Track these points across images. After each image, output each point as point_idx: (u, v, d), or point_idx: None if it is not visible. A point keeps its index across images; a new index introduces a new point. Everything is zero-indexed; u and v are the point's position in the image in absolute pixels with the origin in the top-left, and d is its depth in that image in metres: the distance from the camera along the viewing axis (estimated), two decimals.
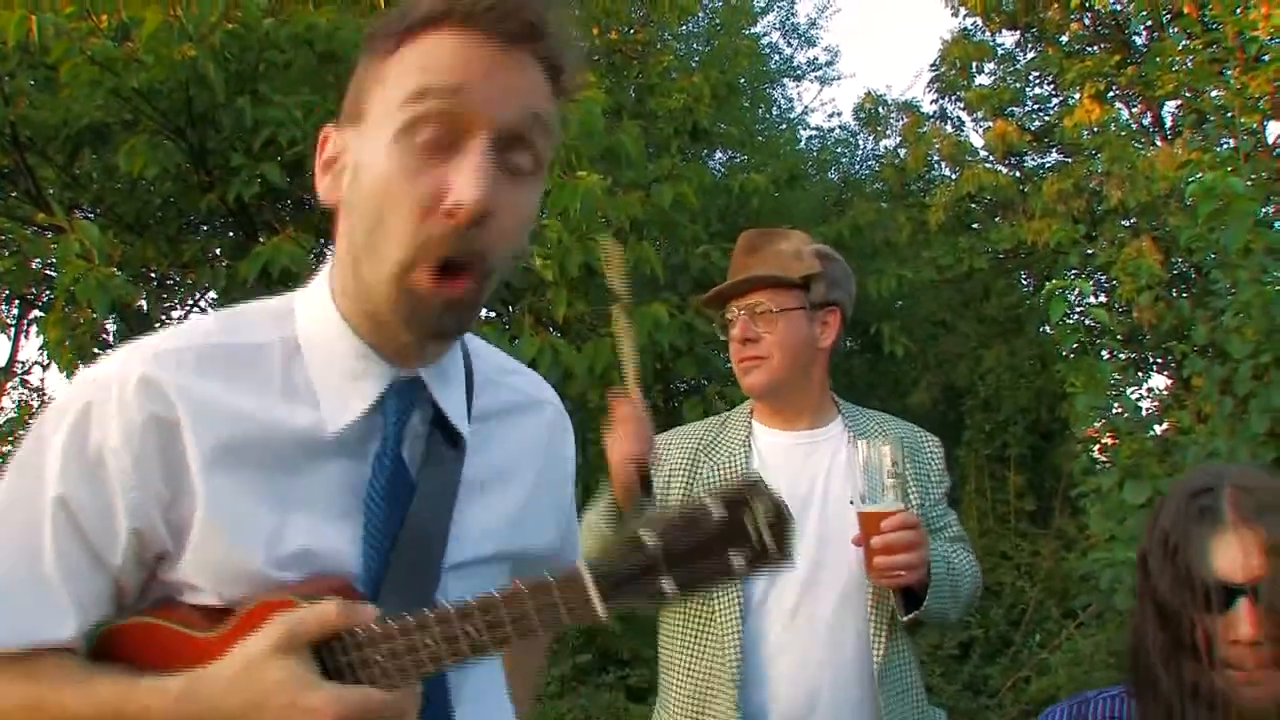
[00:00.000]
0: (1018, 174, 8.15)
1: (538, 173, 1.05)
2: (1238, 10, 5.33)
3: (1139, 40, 7.90)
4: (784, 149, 8.64)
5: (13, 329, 6.97)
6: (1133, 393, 4.20)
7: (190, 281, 5.28)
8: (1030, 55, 8.50)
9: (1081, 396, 3.46)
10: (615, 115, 5.14)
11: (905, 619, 1.99)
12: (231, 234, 5.13)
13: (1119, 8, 7.62)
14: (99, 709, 0.98)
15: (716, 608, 2.03)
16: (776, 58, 10.95)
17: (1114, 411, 3.50)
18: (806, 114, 11.34)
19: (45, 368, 7.79)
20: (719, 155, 8.18)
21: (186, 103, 4.17)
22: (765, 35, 10.83)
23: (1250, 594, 1.31)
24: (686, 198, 4.83)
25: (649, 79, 6.39)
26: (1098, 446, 3.90)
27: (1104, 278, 6.99)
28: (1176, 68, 6.13)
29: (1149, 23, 7.42)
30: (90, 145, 4.60)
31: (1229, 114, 5.53)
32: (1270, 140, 6.31)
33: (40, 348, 5.86)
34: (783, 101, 10.91)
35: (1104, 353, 5.03)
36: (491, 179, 0.98)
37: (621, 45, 6.43)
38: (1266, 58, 5.20)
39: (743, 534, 0.98)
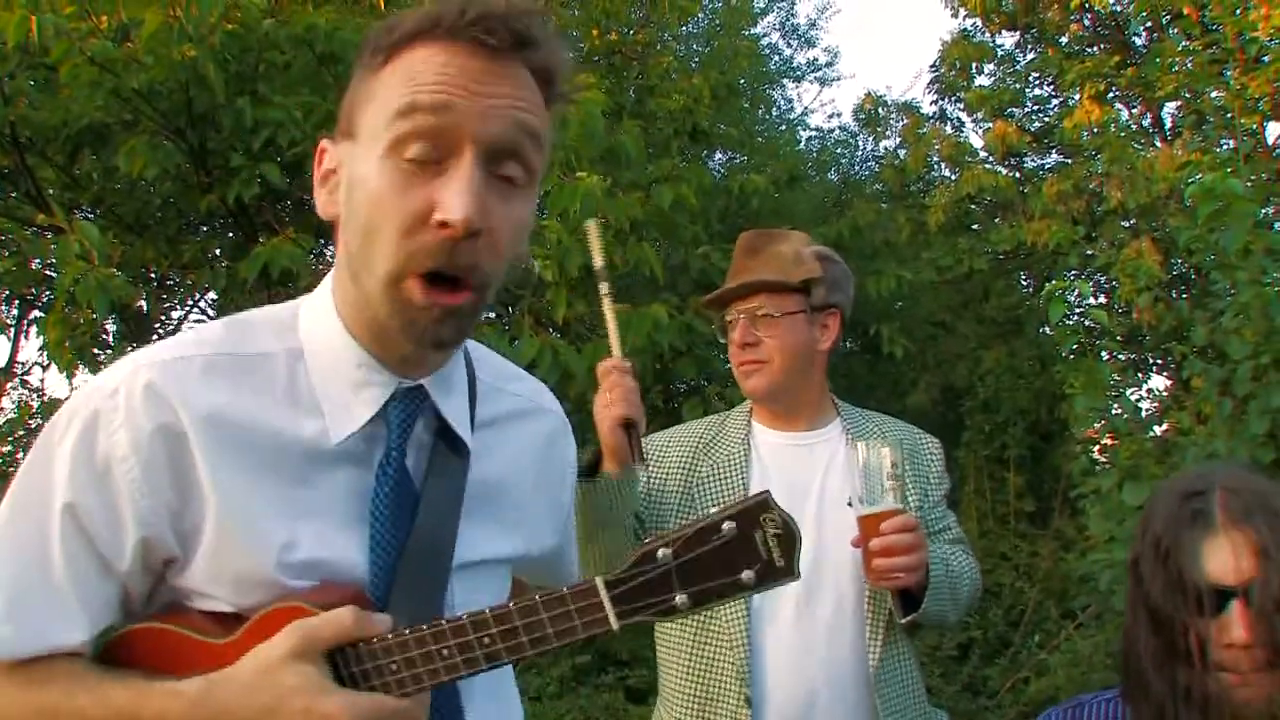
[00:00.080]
0: (1017, 175, 8.16)
1: (530, 183, 1.06)
2: (1237, 11, 5.33)
3: (1139, 41, 7.91)
4: (784, 150, 8.64)
5: (12, 329, 6.97)
6: (1132, 394, 4.20)
7: (190, 282, 5.27)
8: (1030, 56, 8.50)
9: (1081, 397, 3.46)
10: (615, 116, 5.14)
11: (903, 621, 1.99)
12: (231, 234, 5.13)
13: (1119, 9, 7.63)
14: (115, 713, 0.99)
15: (718, 609, 2.03)
16: (776, 59, 10.97)
17: (1113, 412, 3.50)
18: (806, 115, 11.36)
19: (45, 368, 7.79)
20: (719, 156, 8.19)
21: (186, 103, 4.17)
22: (765, 36, 10.86)
23: (1242, 596, 1.31)
24: (686, 198, 4.83)
25: (649, 80, 6.39)
26: (1097, 447, 3.89)
27: (1103, 279, 6.99)
28: (1176, 69, 6.13)
29: (1149, 24, 7.42)
30: (90, 146, 4.60)
31: (1229, 115, 5.54)
32: (1270, 141, 6.32)
33: (40, 348, 5.87)
34: (782, 102, 10.93)
35: (1103, 354, 5.03)
36: (481, 194, 0.99)
37: (621, 46, 6.43)
38: (1266, 59, 5.20)
39: (753, 550, 1.01)
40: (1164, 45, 6.69)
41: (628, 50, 6.45)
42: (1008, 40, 8.64)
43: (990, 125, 8.00)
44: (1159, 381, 7.02)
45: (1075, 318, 5.69)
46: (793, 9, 11.49)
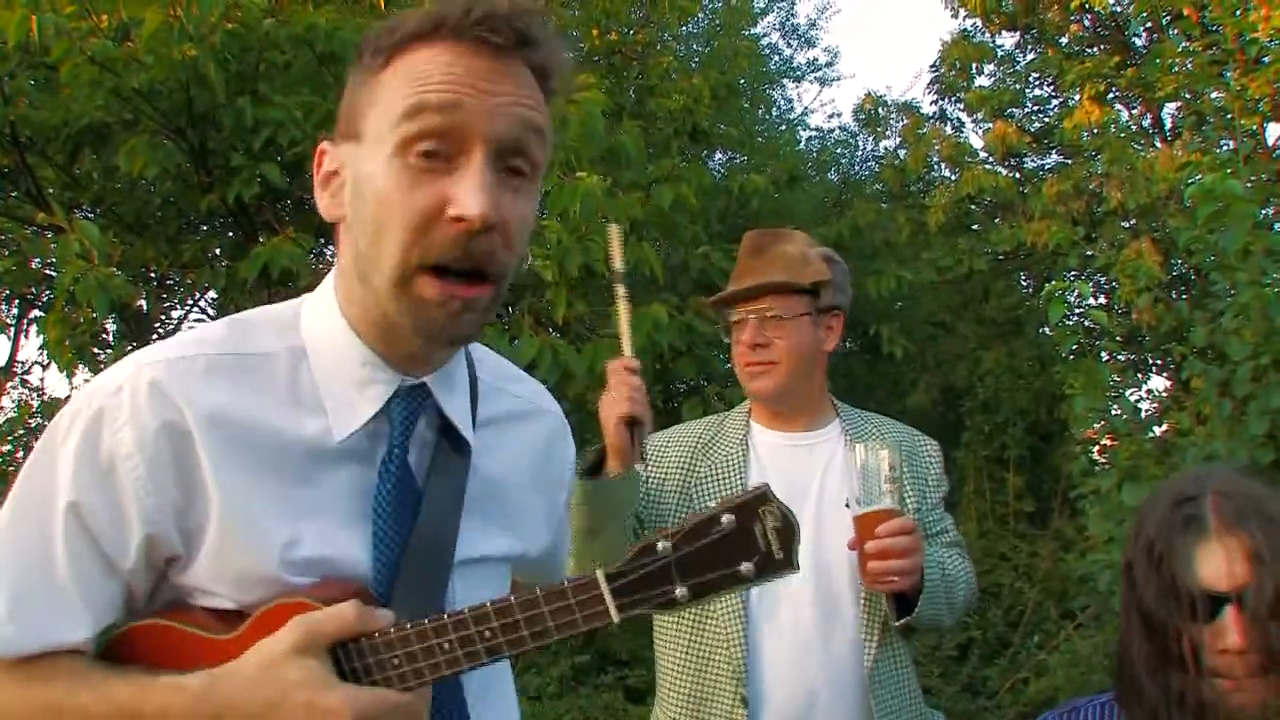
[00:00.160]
0: (1017, 175, 8.16)
1: (534, 178, 1.07)
2: (1237, 12, 5.33)
3: (1139, 42, 7.91)
4: (784, 150, 8.64)
5: (12, 329, 6.98)
6: (1132, 394, 4.20)
7: (190, 281, 5.27)
8: (1030, 57, 8.50)
9: (1080, 398, 3.46)
10: (615, 116, 5.14)
11: (897, 624, 1.99)
12: (231, 234, 5.13)
13: (1119, 9, 7.62)
14: (118, 710, 0.99)
15: (715, 609, 2.03)
16: (776, 59, 10.97)
17: (1113, 413, 3.50)
18: (806, 115, 11.35)
19: (45, 367, 7.80)
20: (719, 156, 8.19)
21: (187, 103, 4.17)
22: (765, 36, 10.86)
23: (1235, 602, 1.30)
24: (686, 198, 4.83)
25: (649, 80, 6.39)
26: (1097, 448, 3.90)
27: (1103, 279, 6.99)
28: (1176, 69, 6.13)
29: (1149, 24, 7.42)
30: (90, 145, 4.59)
31: (1229, 116, 5.54)
32: (1270, 142, 6.32)
33: (40, 347, 5.88)
34: (782, 102, 10.93)
35: (1103, 354, 5.04)
36: (493, 190, 1.00)
37: (621, 46, 6.43)
38: (1266, 59, 5.20)
39: (752, 542, 1.01)
40: (1164, 46, 6.69)
41: (628, 50, 6.45)
42: (1008, 41, 8.64)
43: (990, 125, 8.00)
44: (1159, 382, 7.02)
45: (1075, 318, 5.70)
46: (793, 9, 11.50)
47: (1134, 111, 7.81)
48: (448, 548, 1.10)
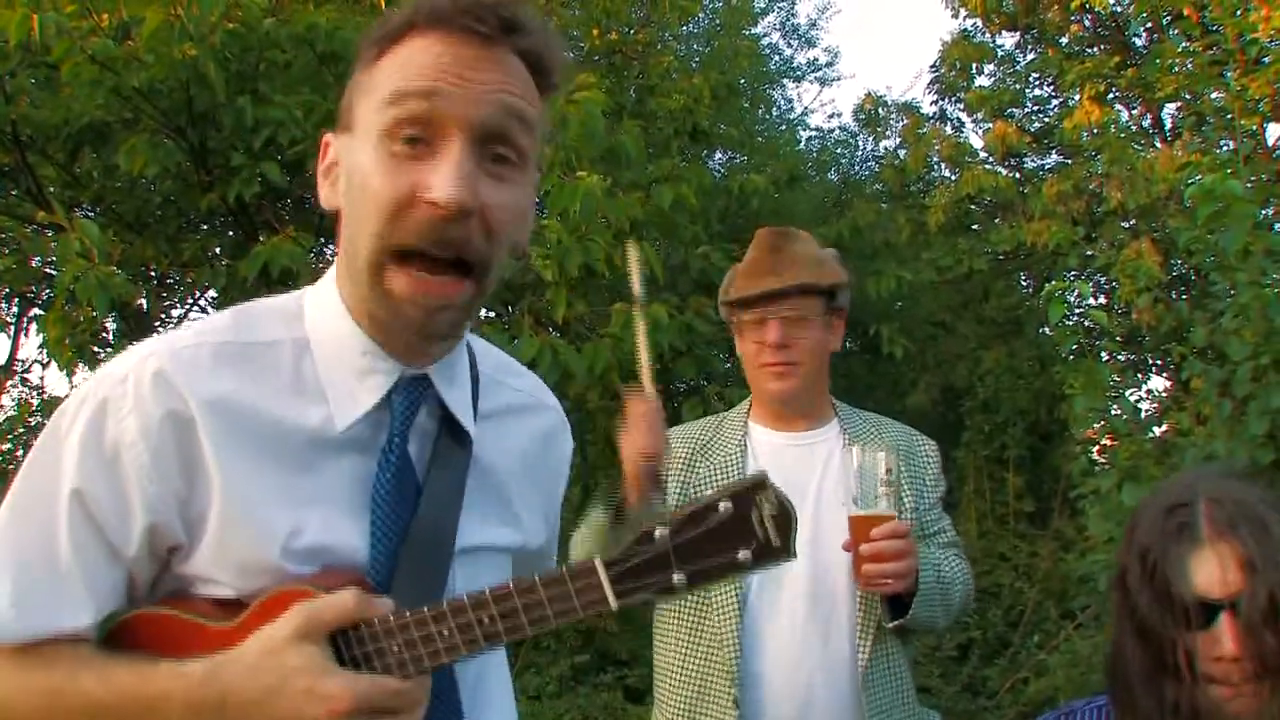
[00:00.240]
0: (1017, 175, 8.16)
1: (523, 168, 1.07)
2: (1238, 12, 5.33)
3: (1139, 42, 7.91)
4: (784, 150, 8.65)
5: (13, 327, 6.98)
6: (1132, 394, 4.20)
7: (190, 280, 5.27)
8: (1030, 57, 8.50)
9: (1080, 398, 3.46)
10: (615, 116, 5.14)
11: (890, 625, 2.00)
12: (231, 233, 5.13)
13: (1119, 9, 7.62)
14: (119, 695, 0.99)
15: (712, 609, 2.04)
16: (776, 58, 10.98)
17: (1113, 413, 3.50)
18: (806, 115, 11.36)
19: (45, 366, 7.80)
20: (719, 156, 8.19)
21: (187, 102, 4.17)
22: (765, 36, 10.87)
23: (1229, 609, 1.30)
24: (686, 198, 4.83)
25: (649, 79, 6.39)
26: (1096, 448, 3.90)
27: (1103, 279, 6.99)
28: (1176, 70, 6.13)
29: (1149, 24, 7.42)
30: (91, 144, 4.60)
31: (1229, 116, 5.54)
32: (1270, 142, 6.32)
33: (40, 346, 5.88)
34: (783, 102, 10.94)
35: (1103, 354, 5.04)
36: (470, 175, 1.00)
37: (622, 46, 6.43)
38: (1266, 60, 5.20)
39: (749, 529, 1.02)
40: (1164, 46, 6.69)
41: (628, 50, 6.45)
42: (1008, 41, 8.65)
43: (990, 126, 8.00)
44: (1158, 382, 7.02)
45: (1075, 318, 5.70)
46: (793, 9, 11.51)
47: (1134, 112, 7.81)
48: (448, 538, 1.10)
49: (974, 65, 8.49)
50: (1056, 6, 7.61)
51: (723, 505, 1.02)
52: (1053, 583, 6.18)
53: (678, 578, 1.01)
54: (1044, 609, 6.08)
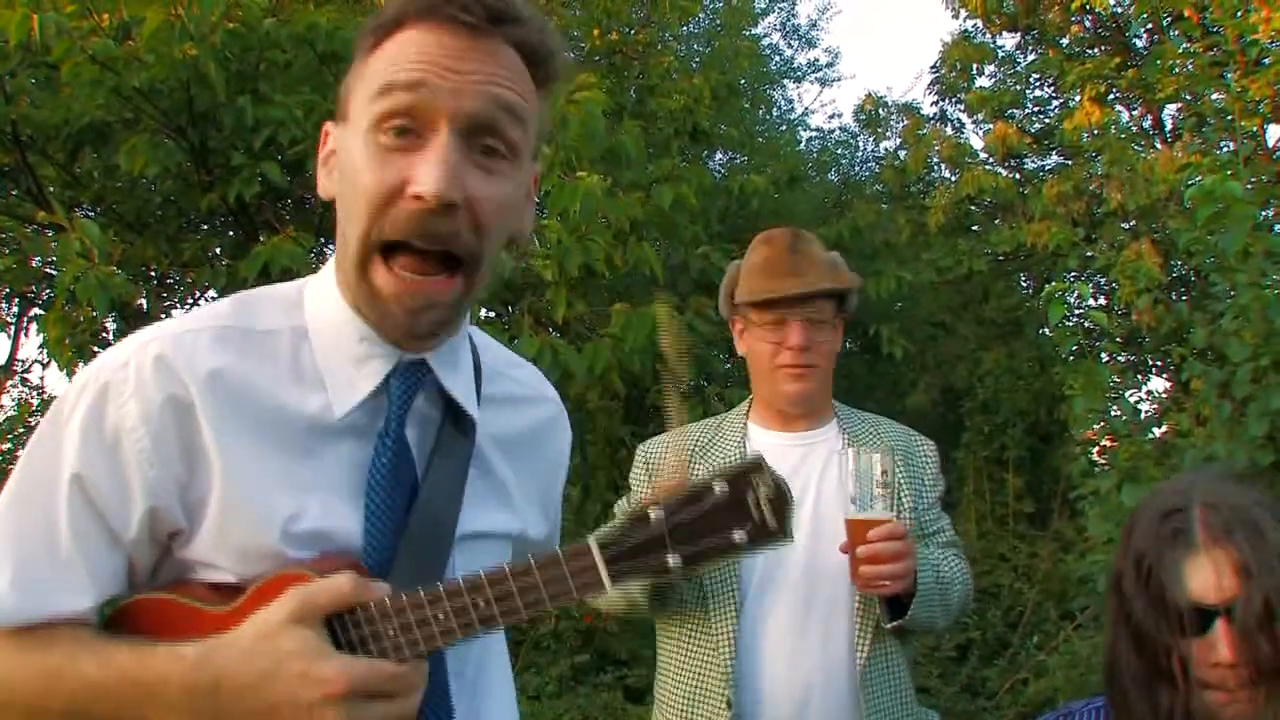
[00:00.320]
0: (1017, 176, 8.16)
1: (514, 160, 1.07)
2: (1238, 13, 5.33)
3: (1139, 43, 7.91)
4: (784, 150, 8.66)
5: (13, 327, 6.98)
6: (1131, 395, 4.20)
7: (190, 280, 5.27)
8: (1031, 57, 8.51)
9: (1080, 399, 3.46)
10: (616, 116, 5.14)
11: (889, 626, 2.00)
12: (232, 233, 5.13)
13: (1120, 10, 7.63)
14: (118, 677, 0.99)
15: (712, 609, 2.04)
16: (777, 59, 10.99)
17: (1112, 414, 3.50)
18: (807, 115, 11.38)
19: (45, 366, 7.81)
20: (719, 156, 8.20)
21: (187, 102, 4.17)
22: (766, 36, 10.88)
23: (1225, 615, 1.30)
24: (686, 198, 4.83)
25: (649, 80, 6.40)
26: (1096, 449, 3.90)
27: (1103, 280, 7.00)
28: (1177, 71, 6.13)
29: (1149, 25, 7.42)
30: (91, 144, 4.60)
31: (1229, 117, 5.54)
32: (1270, 144, 6.32)
33: (40, 346, 5.88)
34: (783, 103, 10.95)
35: (1103, 355, 5.04)
36: (456, 167, 1.00)
37: (622, 46, 6.43)
38: (1267, 61, 5.20)
39: (745, 510, 1.02)
40: (1165, 47, 6.69)
41: (628, 50, 6.46)
42: (1008, 41, 8.65)
43: (990, 126, 8.01)
44: (1158, 383, 7.02)
45: (1075, 319, 5.71)
46: (793, 9, 11.52)
47: (1134, 113, 7.81)
48: (448, 526, 1.11)
49: (974, 66, 8.50)
50: (1057, 7, 7.61)
51: (718, 487, 1.02)
52: (1052, 583, 6.19)
53: (673, 559, 1.01)
54: (1043, 610, 6.08)
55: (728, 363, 6.09)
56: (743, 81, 8.17)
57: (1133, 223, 6.64)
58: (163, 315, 5.59)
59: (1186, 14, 6.18)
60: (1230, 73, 5.70)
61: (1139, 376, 6.66)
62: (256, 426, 1.05)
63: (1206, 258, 3.28)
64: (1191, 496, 1.38)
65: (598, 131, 4.18)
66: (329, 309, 1.12)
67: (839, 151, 10.06)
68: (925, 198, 7.86)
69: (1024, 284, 8.35)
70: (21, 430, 6.76)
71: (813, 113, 14.00)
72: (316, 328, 1.12)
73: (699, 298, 4.83)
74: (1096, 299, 7.42)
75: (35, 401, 7.59)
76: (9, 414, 7.41)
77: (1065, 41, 8.04)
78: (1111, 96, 7.29)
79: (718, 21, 9.09)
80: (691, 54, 8.42)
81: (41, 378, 7.88)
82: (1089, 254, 6.77)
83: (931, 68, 8.76)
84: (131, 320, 4.79)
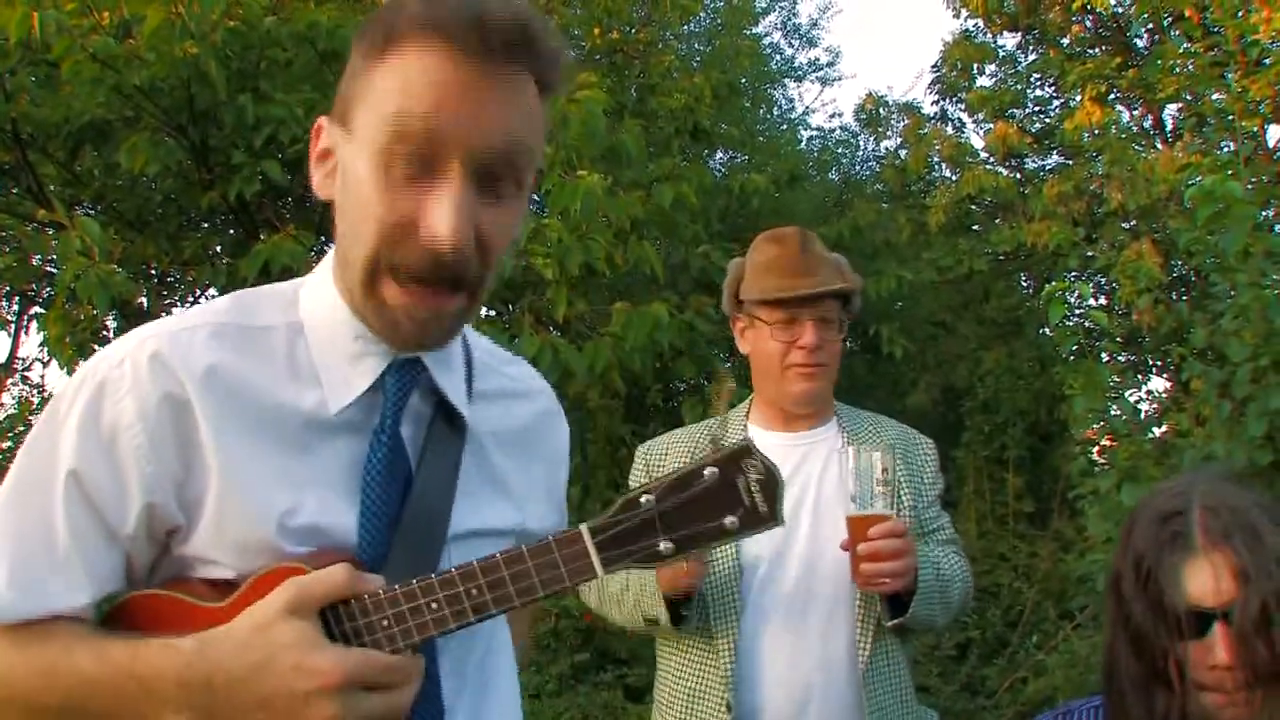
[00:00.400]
0: (1018, 176, 8.16)
1: (520, 193, 1.06)
2: (1239, 14, 5.33)
3: (1140, 43, 7.91)
4: (785, 149, 8.66)
5: (13, 325, 6.99)
6: (1131, 395, 4.19)
7: (191, 279, 5.28)
8: (1031, 57, 8.51)
9: (1080, 399, 3.45)
10: (616, 115, 5.15)
11: (890, 624, 2.00)
12: (232, 231, 5.14)
13: (1120, 10, 7.63)
14: (113, 671, 0.99)
15: (712, 609, 2.04)
16: (778, 58, 10.99)
17: (1112, 414, 3.50)
18: (807, 114, 11.38)
19: (45, 364, 7.83)
20: (720, 155, 8.20)
21: (188, 100, 4.17)
22: (766, 35, 10.87)
23: (1223, 618, 1.30)
24: (687, 197, 4.83)
25: (650, 78, 6.40)
26: (1096, 449, 3.89)
27: (1103, 280, 7.00)
28: (1177, 71, 6.13)
29: (1150, 26, 7.42)
30: (91, 142, 4.60)
31: (1229, 117, 5.53)
32: (1270, 144, 6.32)
33: (41, 344, 5.89)
34: (784, 102, 10.95)
35: (1103, 355, 5.03)
36: (469, 211, 1.00)
37: (623, 45, 6.43)
38: (1268, 61, 5.20)
39: (736, 495, 1.02)
40: (1165, 47, 6.69)
41: (629, 49, 6.46)
42: (1009, 41, 8.66)
43: (991, 126, 8.02)
44: (1158, 383, 7.02)
45: (1075, 319, 5.70)
46: (794, 8, 11.53)
47: (1135, 113, 7.82)
48: (442, 521, 1.11)
49: (975, 66, 8.50)
50: (1058, 7, 7.61)
51: (708, 472, 1.02)
52: (1052, 583, 6.19)
53: (664, 544, 1.02)
54: (1043, 609, 6.08)
55: (728, 362, 6.09)
56: (743, 80, 8.17)
57: (1133, 223, 6.64)
58: (163, 313, 5.58)
59: (1187, 14, 6.18)
60: (1231, 73, 5.69)
61: (1139, 376, 6.66)
62: (253, 423, 1.05)
63: (1207, 258, 3.28)
64: (1191, 499, 1.38)
65: (598, 130, 4.18)
66: (325, 306, 1.12)
67: (839, 151, 10.07)
68: (926, 197, 7.87)
69: (1024, 284, 8.35)
70: (22, 428, 6.78)
71: (813, 112, 14.01)
72: (312, 325, 1.12)
73: (699, 296, 4.84)
74: (1097, 299, 7.42)
75: (36, 400, 7.60)
76: (9, 412, 7.42)
77: (1066, 41, 8.04)
78: (1112, 96, 7.29)
79: (718, 20, 9.09)
80: (692, 53, 8.43)
81: (42, 376, 7.92)
82: (1089, 254, 6.77)
83: (932, 67, 8.78)
84: (132, 318, 4.79)
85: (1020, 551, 6.66)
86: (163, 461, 1.03)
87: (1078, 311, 6.07)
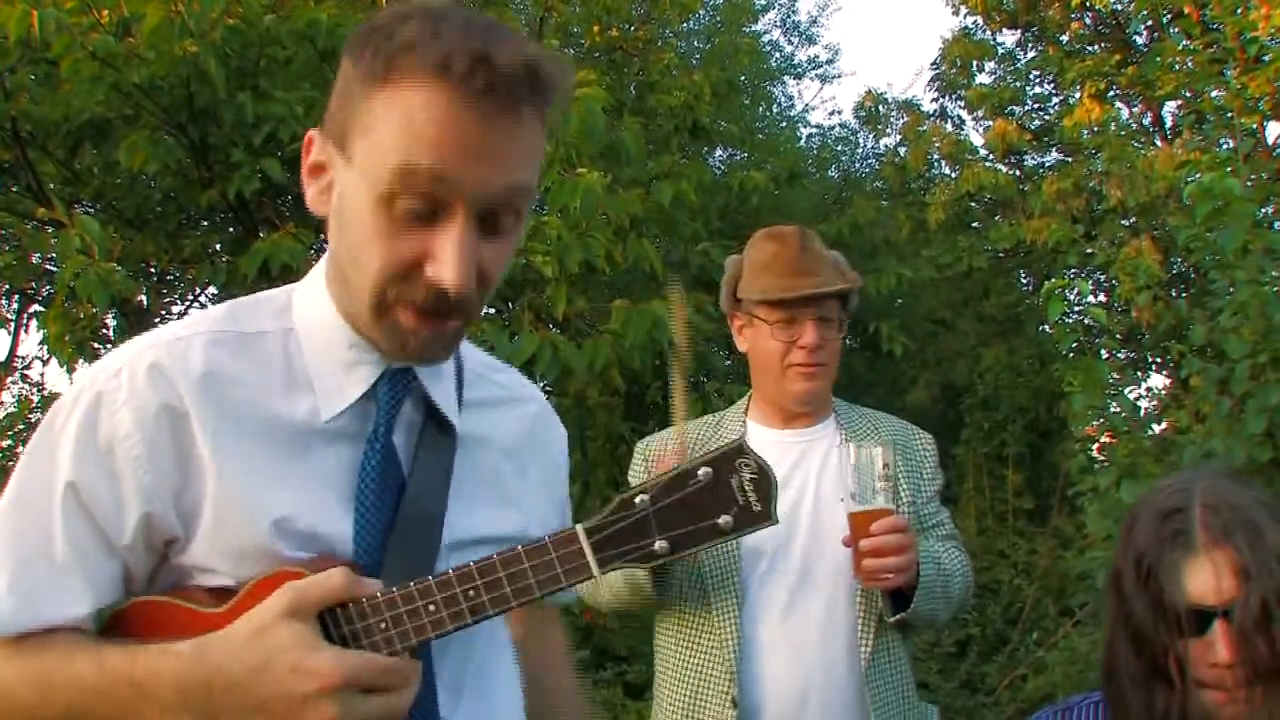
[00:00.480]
0: (1017, 173, 8.17)
1: (518, 223, 1.07)
2: (1238, 11, 5.34)
3: (1139, 40, 7.92)
4: (784, 147, 8.66)
5: (13, 324, 6.99)
6: (1131, 392, 4.20)
7: (190, 277, 5.28)
8: (1031, 54, 8.52)
9: (1079, 396, 3.46)
10: (616, 112, 5.14)
11: (892, 620, 2.00)
12: (232, 229, 5.14)
13: (1120, 7, 7.63)
14: (113, 678, 1.00)
15: (711, 605, 2.04)
16: (777, 55, 10.99)
17: (1112, 411, 3.51)
18: (807, 112, 11.38)
19: (45, 363, 7.84)
20: (719, 153, 8.20)
21: (187, 98, 4.17)
22: (766, 33, 10.87)
23: (1223, 616, 1.31)
24: (686, 195, 4.83)
25: (650, 76, 6.40)
26: (1095, 446, 3.90)
27: (1103, 277, 7.00)
28: (1177, 68, 6.14)
29: (1149, 23, 7.43)
30: (91, 140, 4.60)
31: (1228, 114, 5.53)
32: (1269, 141, 6.33)
33: (40, 342, 5.90)
34: (783, 99, 10.95)
35: (1102, 352, 5.04)
36: (471, 252, 1.00)
37: (622, 42, 6.43)
38: (1266, 58, 5.20)
39: (730, 495, 1.04)
40: (1164, 44, 6.70)
41: (628, 46, 6.46)
42: (1008, 38, 8.66)
43: (990, 123, 8.02)
44: (1158, 380, 7.04)
45: (1074, 316, 5.70)
46: (794, 6, 11.52)
47: (1134, 110, 7.83)
48: (436, 525, 1.11)
49: (974, 63, 8.51)
50: (1057, 4, 7.62)
51: (702, 471, 1.03)
52: (1051, 580, 6.19)
53: (659, 544, 1.02)
54: (1042, 606, 6.09)
55: (727, 359, 6.10)
56: (743, 78, 8.18)
57: (1132, 220, 6.65)
58: (163, 312, 5.60)
59: (1186, 11, 6.19)
60: (1230, 70, 5.70)
61: (1138, 373, 6.68)
62: (250, 430, 1.06)
63: (1206, 255, 3.28)
64: (1191, 496, 1.38)
65: (598, 128, 4.18)
66: (318, 314, 1.13)
67: (839, 148, 10.08)
68: (925, 194, 7.88)
69: (1024, 281, 8.36)
70: (21, 427, 6.77)
71: (813, 109, 13.99)
72: (306, 332, 1.12)
73: (699, 294, 4.83)
74: (1096, 296, 7.42)
75: (35, 398, 7.60)
76: (9, 410, 7.42)
77: (1065, 38, 8.04)
78: (1111, 93, 7.30)
79: (718, 18, 9.09)
80: (691, 50, 8.43)
81: (41, 374, 7.93)
82: (1089, 251, 6.77)
83: (932, 64, 8.80)
84: (131, 317, 4.80)
85: (1020, 548, 6.67)
86: (160, 471, 1.03)
87: (1077, 308, 6.07)
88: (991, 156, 7.85)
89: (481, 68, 0.95)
